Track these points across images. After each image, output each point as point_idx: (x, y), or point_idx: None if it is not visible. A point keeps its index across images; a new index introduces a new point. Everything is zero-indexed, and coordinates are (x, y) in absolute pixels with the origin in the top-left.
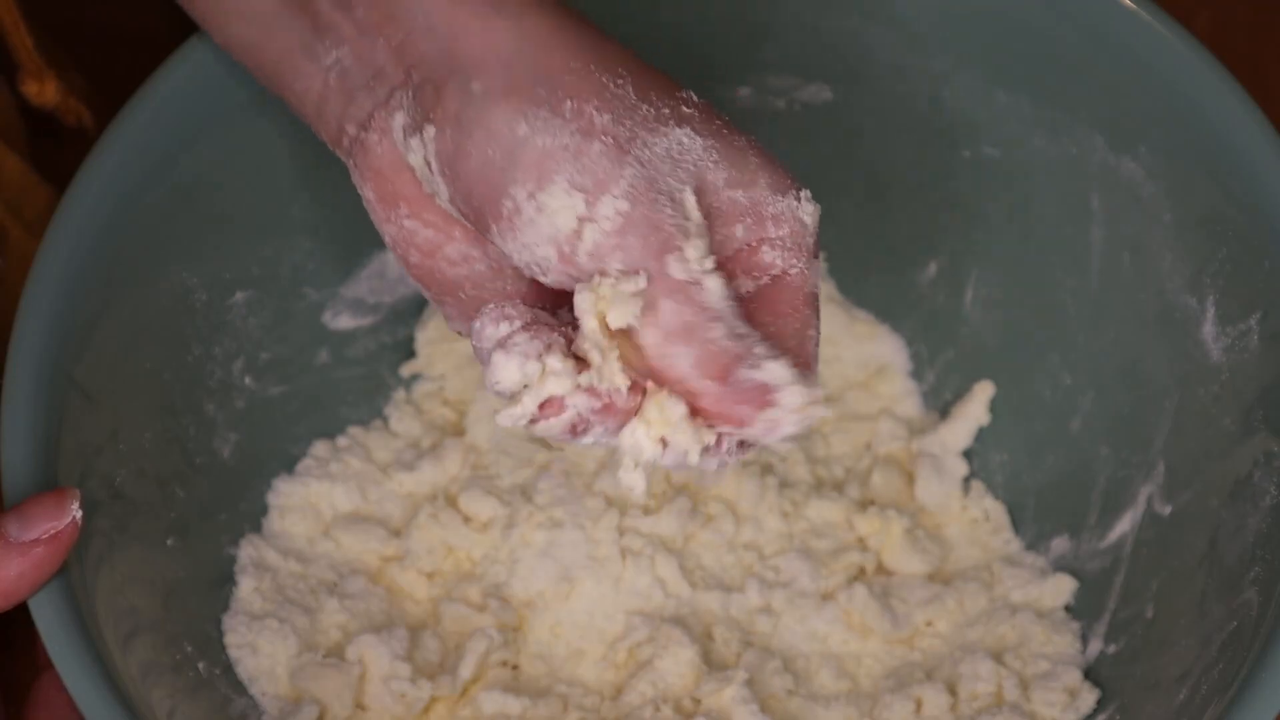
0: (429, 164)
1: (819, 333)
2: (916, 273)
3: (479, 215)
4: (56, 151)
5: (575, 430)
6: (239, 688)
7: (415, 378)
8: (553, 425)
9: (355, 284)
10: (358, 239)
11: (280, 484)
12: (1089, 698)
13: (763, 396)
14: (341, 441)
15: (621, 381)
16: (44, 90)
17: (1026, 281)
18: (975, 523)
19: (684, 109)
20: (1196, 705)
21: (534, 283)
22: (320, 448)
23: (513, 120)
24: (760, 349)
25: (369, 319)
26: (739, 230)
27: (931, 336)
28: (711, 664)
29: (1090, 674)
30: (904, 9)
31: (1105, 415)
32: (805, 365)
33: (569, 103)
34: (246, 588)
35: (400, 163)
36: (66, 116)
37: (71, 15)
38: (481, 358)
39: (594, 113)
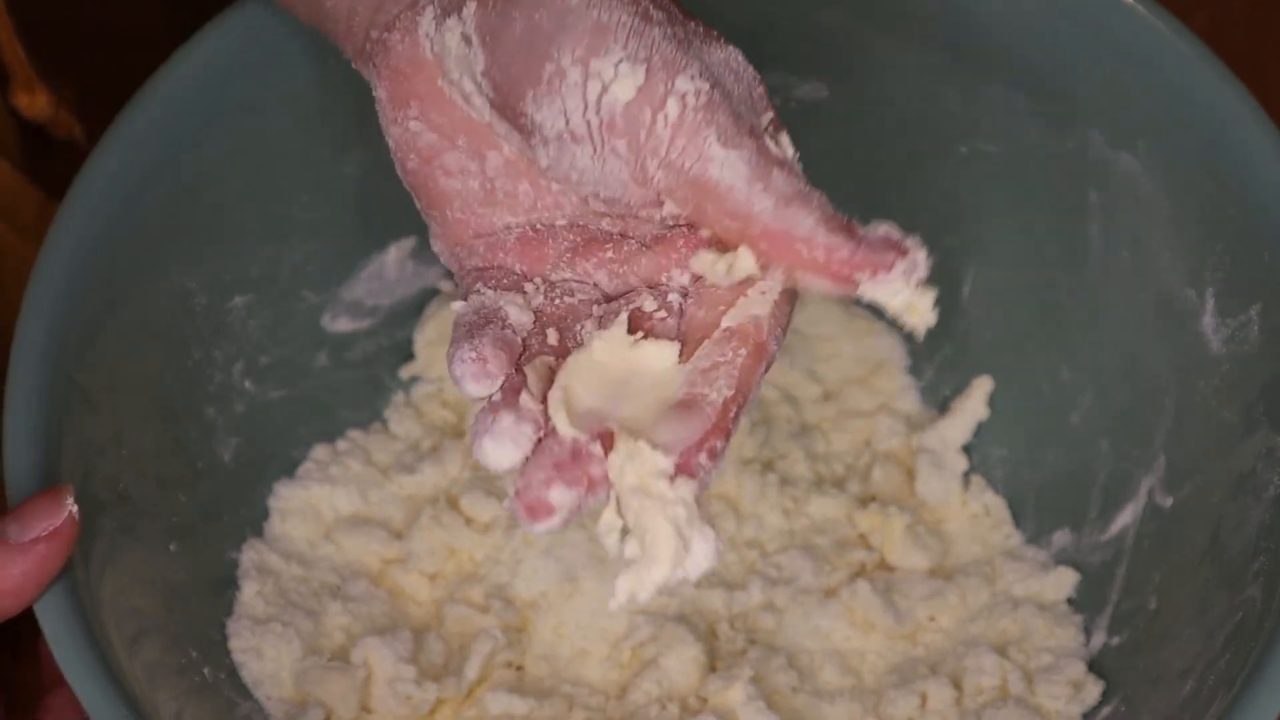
0: (467, 39)
1: (778, 336)
2: None
3: (514, 85)
4: (47, 162)
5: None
6: (244, 691)
7: (414, 380)
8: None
9: (354, 286)
10: (356, 241)
11: (281, 487)
12: (1094, 690)
13: (896, 246)
14: (341, 444)
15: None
16: (35, 102)
17: (1025, 276)
18: (976, 518)
19: (719, 35)
20: (1203, 698)
21: (520, 238)
22: (320, 451)
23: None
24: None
25: (368, 321)
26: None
27: (930, 332)
28: (716, 662)
29: (1094, 666)
30: (900, 6)
31: (1105, 409)
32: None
33: None
34: (249, 592)
35: (418, 59)
36: (57, 129)
37: (71, 15)
38: (459, 386)
39: (650, 5)
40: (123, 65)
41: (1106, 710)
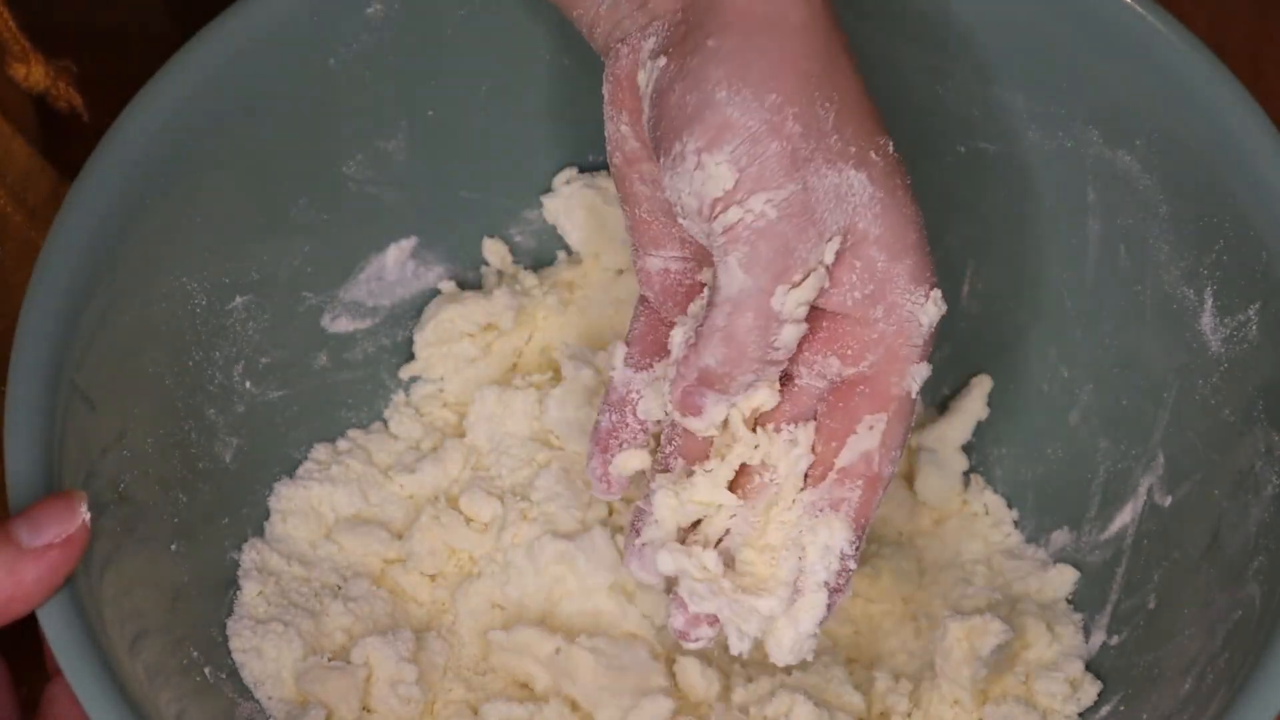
0: (649, 85)
1: (894, 458)
2: None
3: (657, 145)
4: (52, 138)
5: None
6: (245, 691)
7: (414, 380)
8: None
9: (354, 287)
10: (356, 242)
11: (281, 488)
12: (1091, 689)
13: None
14: (342, 445)
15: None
16: (31, 73)
17: (1023, 275)
18: (976, 516)
19: (872, 154)
20: (1203, 695)
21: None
22: (321, 451)
23: (718, 84)
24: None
25: (367, 322)
26: (857, 293)
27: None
28: (718, 660)
29: (1094, 665)
30: (899, 5)
31: (1104, 408)
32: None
33: (773, 96)
34: (250, 592)
35: (635, 76)
36: (57, 102)
37: (71, 16)
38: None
39: (790, 119)
40: (125, 66)
41: (1106, 709)
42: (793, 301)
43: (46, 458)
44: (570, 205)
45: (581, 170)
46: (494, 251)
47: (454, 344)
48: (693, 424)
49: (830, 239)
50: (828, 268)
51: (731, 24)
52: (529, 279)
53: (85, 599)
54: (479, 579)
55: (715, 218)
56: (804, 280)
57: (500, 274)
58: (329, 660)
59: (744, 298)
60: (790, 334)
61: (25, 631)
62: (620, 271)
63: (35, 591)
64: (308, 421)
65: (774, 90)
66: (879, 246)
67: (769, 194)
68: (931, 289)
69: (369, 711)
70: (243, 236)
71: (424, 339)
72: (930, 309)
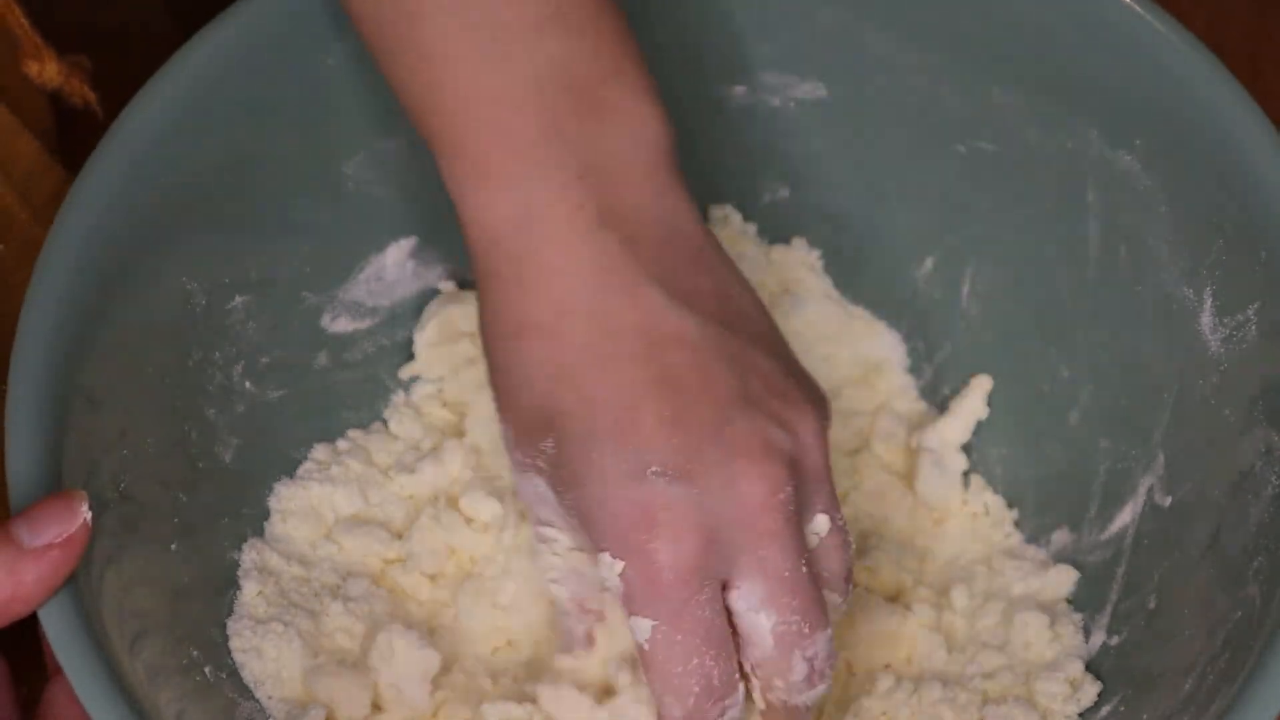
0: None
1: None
2: (913, 268)
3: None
4: (66, 135)
5: None
6: (245, 691)
7: (414, 380)
8: None
9: (353, 287)
10: (356, 242)
11: (281, 488)
12: (1091, 690)
13: None
14: (342, 445)
15: None
16: (44, 70)
17: (1023, 275)
18: (975, 516)
19: (540, 463)
20: (1202, 696)
21: None
22: (320, 451)
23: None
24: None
25: (368, 322)
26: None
27: (928, 332)
28: None
29: (1093, 666)
30: (899, 5)
31: (1104, 408)
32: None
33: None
34: (250, 592)
35: None
36: (71, 98)
37: (73, 16)
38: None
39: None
40: (126, 65)
41: (1106, 709)
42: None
43: (47, 457)
44: None
45: None
46: None
47: (454, 344)
48: None
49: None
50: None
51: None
52: None
53: (85, 599)
54: (479, 579)
55: None
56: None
57: None
58: (338, 662)
59: (654, 642)
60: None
61: (25, 631)
62: None
63: (35, 592)
64: (308, 421)
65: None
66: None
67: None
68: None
69: (378, 709)
70: (242, 236)
71: (424, 339)
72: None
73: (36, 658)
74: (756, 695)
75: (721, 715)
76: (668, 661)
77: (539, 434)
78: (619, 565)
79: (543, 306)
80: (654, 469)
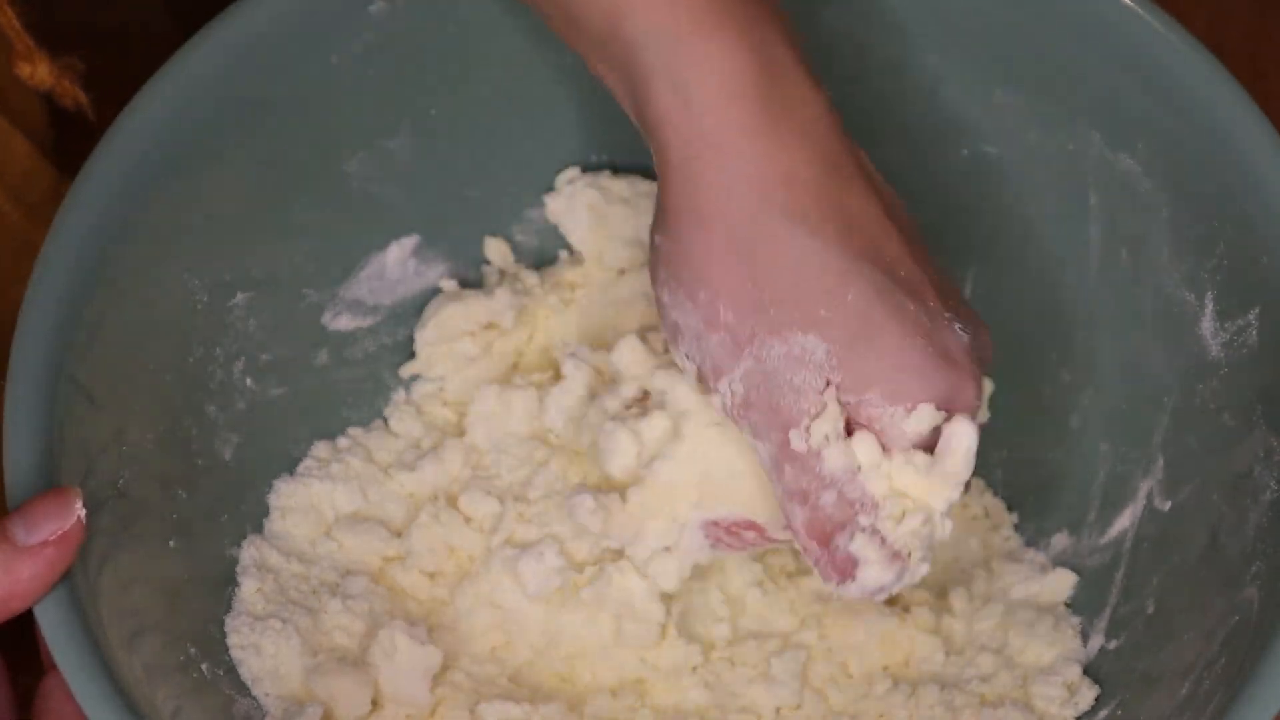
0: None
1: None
2: None
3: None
4: (61, 136)
5: None
6: (242, 689)
7: (415, 378)
8: None
9: (355, 285)
10: (357, 240)
11: (281, 485)
12: (1088, 694)
13: (849, 568)
14: (342, 442)
15: None
16: (36, 71)
17: (1025, 278)
18: (975, 519)
19: (821, 312)
20: (1199, 700)
21: None
22: (321, 449)
23: (663, 284)
24: (864, 520)
25: (369, 320)
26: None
27: None
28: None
29: (1092, 669)
30: (900, 7)
31: (1104, 411)
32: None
33: (702, 293)
34: (249, 589)
35: None
36: (63, 99)
37: (72, 17)
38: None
39: (721, 310)
40: (127, 65)
41: (1104, 713)
42: (816, 436)
43: (45, 454)
44: (573, 205)
45: (584, 170)
46: (496, 250)
47: (455, 343)
48: (858, 586)
49: (808, 386)
50: (827, 405)
51: (667, 213)
52: (530, 278)
53: (83, 596)
54: (478, 578)
55: (710, 395)
56: (812, 420)
57: (502, 273)
58: (338, 659)
59: (772, 460)
60: (833, 462)
61: (22, 627)
62: (622, 271)
63: (31, 589)
64: (308, 419)
65: (703, 286)
66: (844, 390)
67: (726, 377)
68: (916, 405)
69: (377, 707)
70: (244, 234)
71: (425, 337)
72: (912, 422)
73: (33, 652)
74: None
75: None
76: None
77: (748, 315)
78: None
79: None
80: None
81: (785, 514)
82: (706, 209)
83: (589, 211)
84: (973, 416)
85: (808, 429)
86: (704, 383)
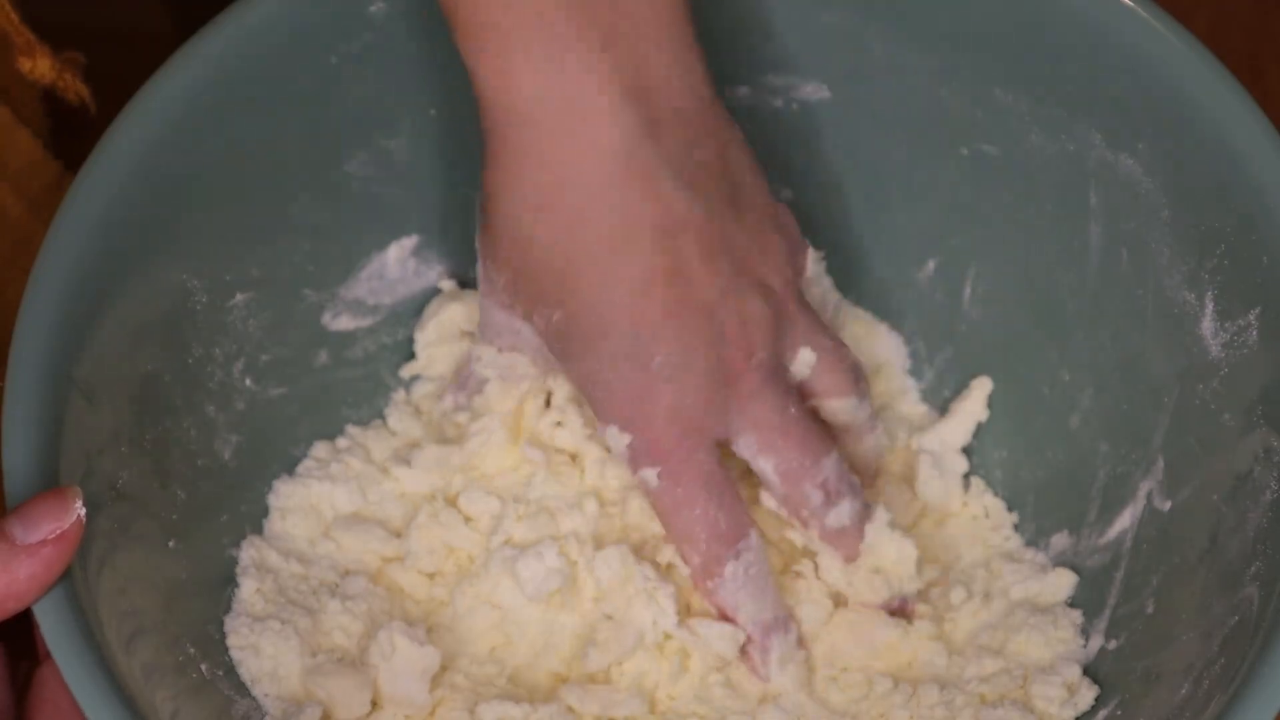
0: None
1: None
2: (915, 270)
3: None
4: (61, 131)
5: None
6: (241, 689)
7: (415, 378)
8: None
9: (355, 285)
10: (357, 240)
11: (281, 485)
12: (1088, 695)
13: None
14: (342, 443)
15: None
16: (37, 66)
17: (1025, 278)
18: (975, 519)
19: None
20: (1199, 700)
21: None
22: (320, 449)
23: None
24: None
25: (368, 320)
26: None
27: (930, 334)
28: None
29: (1091, 669)
30: (902, 7)
31: (1104, 411)
32: None
33: None
34: (248, 589)
35: None
36: (65, 93)
37: (71, 16)
38: None
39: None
40: (127, 66)
41: (1104, 713)
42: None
43: (44, 454)
44: None
45: None
46: None
47: (455, 343)
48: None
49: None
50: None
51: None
52: None
53: (82, 596)
54: (477, 579)
55: None
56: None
57: None
58: (338, 659)
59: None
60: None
61: (21, 615)
62: None
63: (29, 588)
64: (308, 419)
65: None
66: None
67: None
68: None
69: (377, 709)
70: (244, 234)
71: (425, 338)
72: (799, 367)
73: (32, 639)
74: (801, 535)
75: (737, 558)
76: (675, 511)
77: (547, 305)
78: (626, 437)
79: (566, 189)
80: (658, 360)
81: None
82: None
83: None
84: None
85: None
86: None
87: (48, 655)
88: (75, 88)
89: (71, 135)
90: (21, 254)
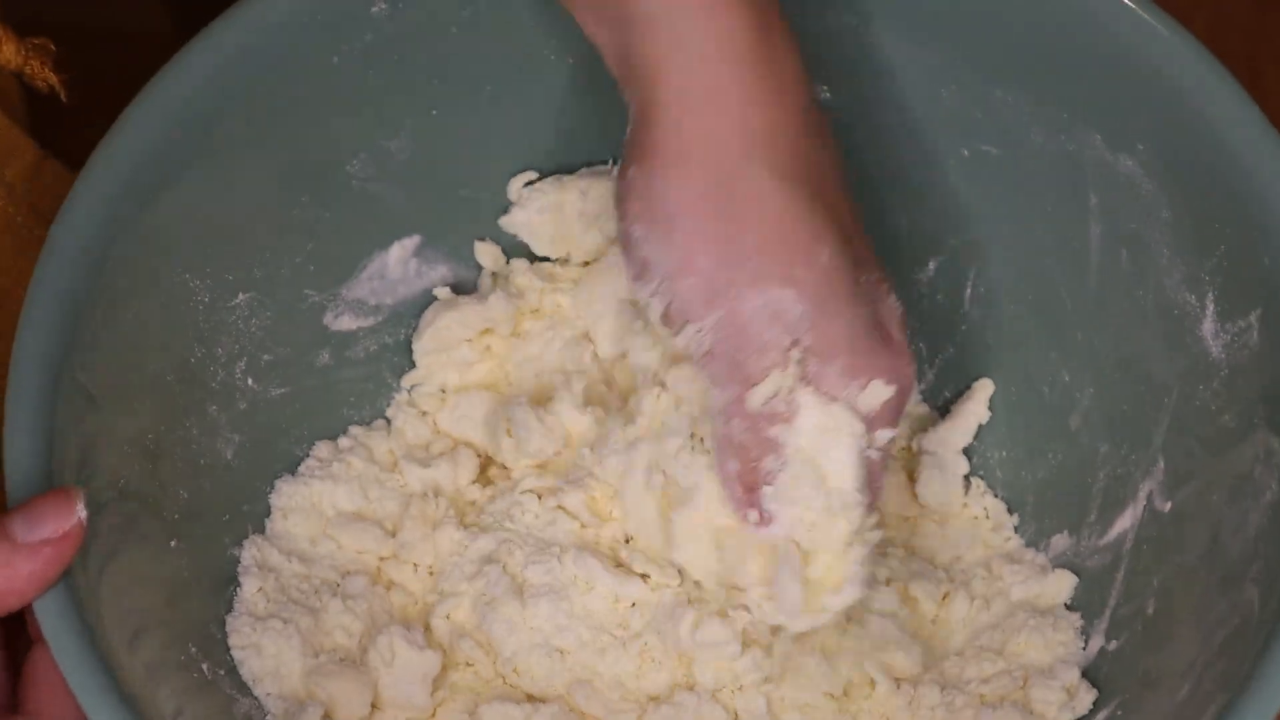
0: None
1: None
2: (916, 271)
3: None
4: (37, 120)
5: None
6: (243, 688)
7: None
8: None
9: (356, 285)
10: (359, 241)
11: (283, 485)
12: (1086, 697)
13: (769, 516)
14: (343, 442)
15: None
16: (3, 51)
17: (1025, 279)
18: (976, 520)
19: (798, 271)
20: (1198, 701)
21: None
22: (322, 448)
23: (636, 219)
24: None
25: (370, 320)
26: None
27: (931, 334)
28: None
29: (1091, 670)
30: (903, 9)
31: (1105, 412)
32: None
33: (679, 235)
34: (250, 588)
35: None
36: (34, 81)
37: (70, 16)
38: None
39: (699, 255)
40: (127, 65)
41: (1103, 714)
42: (759, 398)
43: (46, 453)
44: (529, 215)
45: (588, 167)
46: (486, 254)
47: (452, 350)
48: (773, 531)
49: (789, 348)
50: (787, 370)
51: (649, 150)
52: (521, 276)
53: (84, 596)
54: (476, 579)
55: (674, 336)
56: (768, 379)
57: (495, 275)
58: (340, 658)
59: (722, 408)
60: (782, 433)
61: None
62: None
63: (29, 587)
64: (310, 419)
65: (679, 229)
66: (811, 353)
67: (695, 325)
68: (870, 380)
69: (377, 709)
70: (245, 234)
71: (422, 347)
72: (867, 397)
73: (23, 623)
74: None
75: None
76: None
77: (725, 264)
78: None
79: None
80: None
81: (718, 456)
82: (691, 153)
83: (551, 216)
84: (908, 394)
85: (760, 387)
86: (668, 322)
87: (40, 638)
88: (44, 75)
89: (47, 123)
90: (2, 238)
